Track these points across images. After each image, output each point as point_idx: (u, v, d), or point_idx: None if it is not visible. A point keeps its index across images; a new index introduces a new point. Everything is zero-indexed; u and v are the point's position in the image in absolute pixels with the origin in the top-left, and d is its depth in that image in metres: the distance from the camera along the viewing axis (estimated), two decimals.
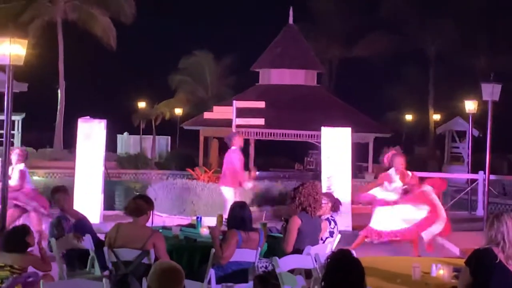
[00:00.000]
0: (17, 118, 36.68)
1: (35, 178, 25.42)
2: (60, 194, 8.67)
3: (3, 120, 10.32)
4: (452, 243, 13.52)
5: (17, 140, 36.67)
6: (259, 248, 7.59)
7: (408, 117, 45.24)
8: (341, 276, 4.50)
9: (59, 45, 36.23)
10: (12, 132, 11.75)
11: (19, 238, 6.96)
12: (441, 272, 6.55)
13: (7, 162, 10.08)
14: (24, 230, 7.07)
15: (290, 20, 32.97)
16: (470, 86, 28.78)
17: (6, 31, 9.96)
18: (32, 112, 37.56)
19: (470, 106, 20.69)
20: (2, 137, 11.25)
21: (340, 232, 8.95)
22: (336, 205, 8.98)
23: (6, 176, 9.94)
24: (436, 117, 43.47)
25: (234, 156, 13.44)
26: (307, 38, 35.47)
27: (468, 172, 21.63)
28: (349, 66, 46.55)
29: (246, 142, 32.97)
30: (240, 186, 13.44)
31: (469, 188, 20.48)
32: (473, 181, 20.44)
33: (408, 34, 41.71)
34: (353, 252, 5.35)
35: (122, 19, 36.61)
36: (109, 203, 17.21)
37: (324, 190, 13.67)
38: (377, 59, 43.29)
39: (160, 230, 8.09)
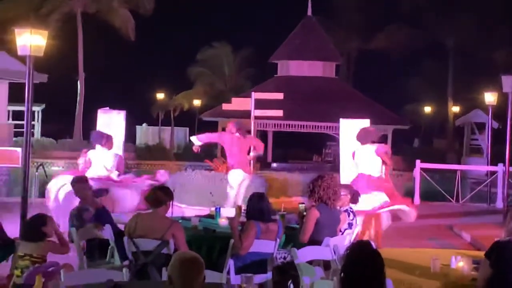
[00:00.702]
0: (37, 109, 36.95)
1: (55, 168, 25.60)
2: (80, 184, 8.72)
3: (23, 111, 10.41)
4: (468, 233, 13.50)
5: (37, 130, 36.94)
6: (278, 239, 7.60)
7: (427, 109, 45.03)
8: (361, 268, 4.49)
9: (79, 37, 36.37)
10: (32, 122, 11.84)
11: (36, 228, 7.02)
12: (460, 264, 6.53)
13: (28, 152, 10.15)
14: (41, 220, 7.13)
15: (309, 12, 32.88)
16: (489, 78, 28.58)
17: (27, 22, 10.03)
18: (52, 103, 37.81)
19: (490, 98, 20.57)
20: (22, 128, 11.38)
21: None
22: (355, 196, 8.98)
23: (28, 166, 10.02)
24: (455, 109, 43.24)
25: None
26: (326, 30, 35.37)
27: (488, 164, 21.54)
28: (368, 58, 46.40)
29: (265, 133, 33.07)
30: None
31: (489, 180, 20.40)
32: (493, 173, 20.36)
33: (427, 26, 41.45)
34: (372, 243, 5.35)
35: (141, 11, 36.69)
36: None
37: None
38: (395, 51, 43.08)
39: (180, 221, 8.12)
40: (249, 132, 15.54)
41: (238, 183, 13.93)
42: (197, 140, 14.32)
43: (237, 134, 13.83)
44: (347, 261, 4.59)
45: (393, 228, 12.40)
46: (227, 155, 14.43)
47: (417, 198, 19.10)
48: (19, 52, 10.10)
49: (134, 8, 36.71)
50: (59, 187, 11.96)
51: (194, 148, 14.33)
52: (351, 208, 8.87)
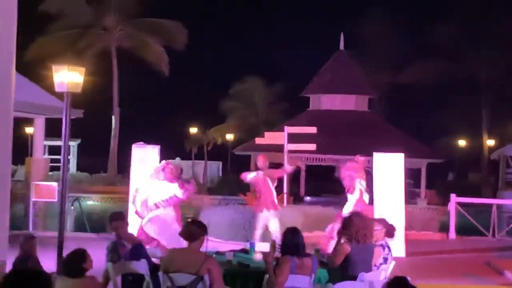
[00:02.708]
0: (73, 143, 37.38)
1: (90, 202, 25.81)
2: (117, 222, 8.76)
3: (59, 145, 10.54)
4: (508, 269, 13.28)
5: (72, 165, 37.33)
6: (313, 275, 7.57)
7: (461, 143, 44.67)
8: None
9: (113, 72, 36.86)
10: (68, 157, 11.97)
11: (76, 264, 7.02)
12: None
13: (65, 187, 10.25)
14: (82, 256, 7.15)
15: (341, 46, 32.96)
16: None
17: (64, 59, 10.19)
18: (87, 137, 38.24)
19: None
20: (58, 162, 11.51)
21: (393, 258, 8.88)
22: (390, 231, 8.92)
23: (64, 201, 10.11)
24: (490, 142, 42.84)
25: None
26: (358, 64, 35.41)
27: None
28: (400, 91, 46.27)
29: (297, 167, 32.99)
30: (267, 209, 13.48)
31: None
32: None
33: (460, 59, 41.31)
34: (409, 279, 5.31)
35: (174, 46, 37.11)
36: None
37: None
38: (428, 84, 42.95)
39: (214, 255, 8.13)
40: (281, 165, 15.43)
41: (264, 223, 13.72)
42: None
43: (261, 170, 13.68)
44: None
45: (428, 263, 12.29)
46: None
47: (452, 233, 18.87)
48: (57, 89, 10.23)
49: (168, 44, 37.15)
50: None
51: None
52: (386, 242, 8.81)
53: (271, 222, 13.57)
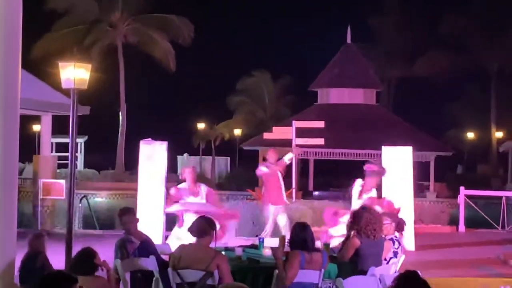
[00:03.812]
0: (80, 140, 37.42)
1: (98, 199, 25.83)
2: (127, 216, 8.73)
3: (66, 143, 10.52)
4: None
5: (80, 162, 37.37)
6: (323, 269, 7.52)
7: (470, 135, 44.52)
8: None
9: (120, 68, 36.84)
10: (75, 154, 11.95)
11: (87, 261, 6.98)
12: None
13: (73, 184, 10.23)
14: (92, 252, 7.11)
15: (348, 39, 32.84)
16: None
17: (71, 55, 10.15)
18: (94, 134, 38.26)
19: None
20: (65, 159, 11.50)
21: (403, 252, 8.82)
22: (400, 225, 8.86)
23: (72, 198, 10.10)
24: (499, 134, 42.68)
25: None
26: (366, 57, 35.28)
27: None
28: (408, 84, 46.15)
29: (306, 162, 32.97)
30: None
31: None
32: None
33: (469, 51, 41.13)
34: (419, 272, 5.26)
35: (180, 42, 37.06)
36: (170, 224, 17.30)
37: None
38: (436, 77, 42.80)
39: (223, 251, 8.09)
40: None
41: (274, 218, 13.63)
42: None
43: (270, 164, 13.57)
44: None
45: (438, 257, 12.23)
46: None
47: (461, 226, 18.80)
48: (63, 86, 10.21)
49: (174, 39, 37.10)
50: None
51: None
52: (396, 236, 8.76)
53: (280, 217, 13.53)
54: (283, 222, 13.42)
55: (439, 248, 12.05)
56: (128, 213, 8.78)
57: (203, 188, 12.64)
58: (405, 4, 43.43)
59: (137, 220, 8.79)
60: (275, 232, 13.24)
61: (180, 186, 12.74)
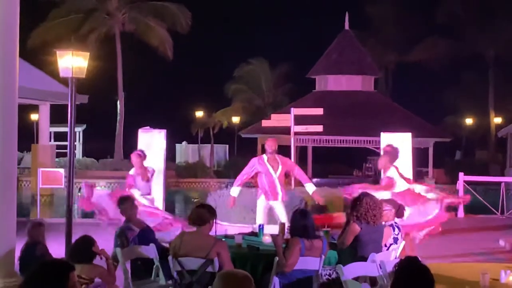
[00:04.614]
0: (78, 129, 37.38)
1: (97, 188, 25.75)
2: (127, 204, 8.75)
3: (64, 132, 10.51)
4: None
5: (78, 151, 37.33)
6: (323, 256, 7.53)
7: (468, 121, 44.53)
8: (411, 284, 4.42)
9: (118, 56, 36.73)
10: (74, 143, 11.92)
11: (86, 249, 7.00)
12: (511, 278, 6.40)
13: (72, 173, 10.22)
14: (90, 240, 7.12)
15: (346, 26, 32.79)
16: None
17: (68, 44, 10.11)
18: (92, 123, 38.21)
19: None
20: (64, 148, 11.48)
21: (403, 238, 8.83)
22: (400, 211, 8.87)
23: (71, 187, 10.09)
24: (497, 120, 42.67)
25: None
26: (363, 43, 35.23)
27: None
28: (406, 71, 46.12)
29: (304, 149, 32.97)
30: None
31: None
32: None
33: (466, 37, 41.06)
34: (420, 258, 5.26)
35: (178, 29, 36.94)
36: (169, 212, 17.29)
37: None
38: (434, 63, 42.77)
39: (223, 239, 8.09)
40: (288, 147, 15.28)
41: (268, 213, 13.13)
42: (235, 191, 12.69)
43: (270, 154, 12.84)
44: (397, 278, 4.52)
45: (437, 243, 12.24)
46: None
47: (461, 212, 18.83)
48: (61, 74, 10.18)
49: (171, 27, 36.98)
50: None
51: (230, 203, 12.53)
52: (396, 222, 8.76)
53: (278, 211, 12.81)
54: (282, 215, 12.90)
55: (438, 234, 12.07)
56: (128, 201, 8.80)
57: (150, 170, 12.68)
58: None
59: (136, 207, 8.81)
60: (273, 220, 13.00)
61: (130, 172, 12.76)
